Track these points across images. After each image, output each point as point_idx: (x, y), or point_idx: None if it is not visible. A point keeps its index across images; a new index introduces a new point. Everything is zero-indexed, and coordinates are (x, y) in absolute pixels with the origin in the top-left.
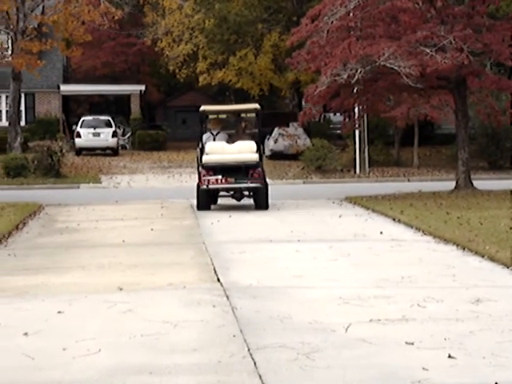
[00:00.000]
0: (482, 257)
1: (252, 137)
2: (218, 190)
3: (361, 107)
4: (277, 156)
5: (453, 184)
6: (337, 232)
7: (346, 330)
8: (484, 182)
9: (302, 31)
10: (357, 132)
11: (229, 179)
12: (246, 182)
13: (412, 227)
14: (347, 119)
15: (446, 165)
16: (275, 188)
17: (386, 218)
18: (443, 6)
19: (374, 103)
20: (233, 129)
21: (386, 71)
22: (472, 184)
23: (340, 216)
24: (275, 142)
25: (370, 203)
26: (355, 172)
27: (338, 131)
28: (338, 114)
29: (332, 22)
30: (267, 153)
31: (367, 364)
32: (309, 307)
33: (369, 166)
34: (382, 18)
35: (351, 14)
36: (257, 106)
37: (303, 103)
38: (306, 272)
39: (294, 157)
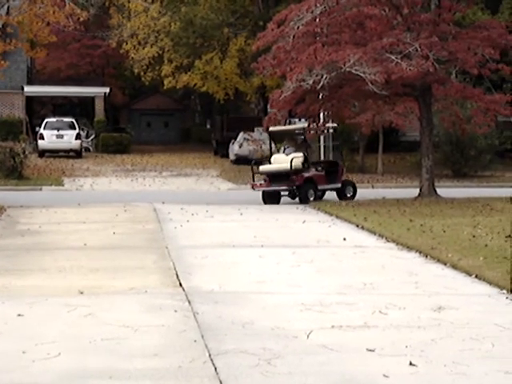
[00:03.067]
0: (445, 264)
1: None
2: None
3: (326, 113)
4: (241, 161)
5: (416, 191)
6: (300, 238)
7: (308, 336)
8: (448, 190)
9: (268, 36)
10: (322, 138)
11: (269, 183)
12: (279, 185)
13: (375, 234)
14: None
15: (410, 172)
16: (239, 193)
17: (349, 225)
18: (409, 13)
19: (339, 109)
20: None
21: (352, 77)
22: (436, 191)
23: (304, 222)
24: (240, 147)
25: (334, 209)
26: None
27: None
28: (303, 119)
29: (298, 28)
30: (231, 157)
31: (328, 370)
32: (271, 313)
33: None
34: (348, 25)
35: (317, 20)
36: (304, 125)
37: (268, 108)
38: (268, 277)
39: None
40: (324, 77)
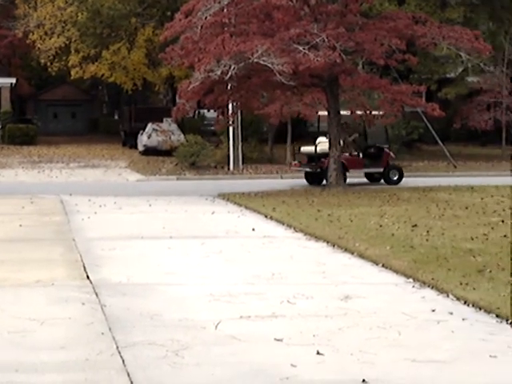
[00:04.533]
0: (352, 254)
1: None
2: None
3: (235, 104)
4: (150, 152)
5: (324, 181)
6: (209, 229)
7: (216, 326)
8: (355, 180)
9: (176, 26)
10: (231, 128)
11: (300, 164)
12: (306, 167)
13: (284, 224)
14: (221, 116)
15: None
16: (148, 184)
17: (258, 215)
18: (317, 3)
19: (248, 100)
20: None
21: (260, 68)
22: (343, 181)
23: (213, 213)
24: (149, 138)
25: (243, 200)
26: (229, 169)
27: (212, 127)
28: (212, 110)
29: (206, 18)
30: (140, 148)
31: (237, 361)
32: (179, 304)
33: (242, 163)
34: (256, 15)
35: (225, 10)
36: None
37: (177, 99)
38: (177, 269)
39: (167, 153)
40: (232, 67)
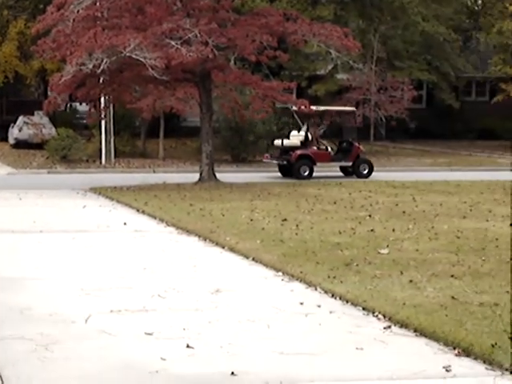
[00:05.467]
0: (223, 248)
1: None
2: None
3: (107, 97)
4: (21, 145)
5: (197, 176)
6: (80, 223)
7: (86, 321)
8: (227, 175)
9: (48, 19)
10: (103, 122)
11: (271, 156)
12: (274, 159)
13: (156, 218)
14: (93, 109)
15: (190, 157)
16: (19, 178)
17: (130, 209)
18: None
19: (120, 94)
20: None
21: (132, 62)
22: (215, 176)
23: (84, 207)
24: (20, 131)
25: (115, 194)
26: (101, 162)
27: (84, 121)
28: (84, 103)
29: (78, 11)
30: (11, 141)
31: (106, 355)
32: (49, 298)
33: (115, 157)
34: (129, 9)
35: (97, 4)
36: (325, 108)
37: (49, 92)
38: (47, 263)
39: (38, 146)
40: (104, 61)
